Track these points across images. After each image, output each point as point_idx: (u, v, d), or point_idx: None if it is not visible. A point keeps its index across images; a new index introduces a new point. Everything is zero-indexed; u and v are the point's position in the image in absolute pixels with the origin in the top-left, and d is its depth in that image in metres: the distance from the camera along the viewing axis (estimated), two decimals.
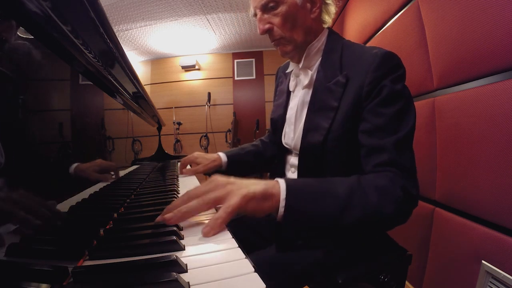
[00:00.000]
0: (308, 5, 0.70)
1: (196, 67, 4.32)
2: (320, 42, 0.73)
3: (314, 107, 0.70)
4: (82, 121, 0.66)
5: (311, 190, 0.52)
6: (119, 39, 0.65)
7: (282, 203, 0.47)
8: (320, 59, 0.73)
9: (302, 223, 0.49)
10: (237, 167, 1.04)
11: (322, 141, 0.67)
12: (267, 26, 0.70)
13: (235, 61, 4.41)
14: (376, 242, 0.82)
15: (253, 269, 0.33)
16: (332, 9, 0.75)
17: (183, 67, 4.34)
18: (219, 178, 0.48)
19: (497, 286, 0.80)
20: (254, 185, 0.47)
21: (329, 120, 0.66)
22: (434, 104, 1.08)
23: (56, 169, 0.53)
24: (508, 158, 0.76)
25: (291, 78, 0.83)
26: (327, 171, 0.69)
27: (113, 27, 0.59)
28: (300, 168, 0.77)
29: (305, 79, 0.75)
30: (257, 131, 3.75)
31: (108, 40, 0.59)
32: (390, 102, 0.60)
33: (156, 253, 0.37)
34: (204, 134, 4.26)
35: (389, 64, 0.62)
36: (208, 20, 3.27)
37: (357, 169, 0.65)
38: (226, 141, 4.22)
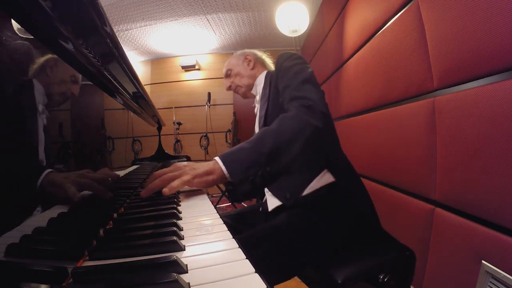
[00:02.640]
0: (246, 63, 1.18)
1: (196, 67, 4.32)
2: (262, 76, 1.14)
3: (261, 106, 1.04)
4: (82, 121, 0.66)
5: (235, 149, 0.72)
6: (119, 39, 0.65)
7: (223, 167, 0.67)
8: (263, 84, 1.10)
9: (241, 169, 0.67)
10: None
11: (263, 121, 0.98)
12: (229, 84, 1.22)
13: None
14: (375, 239, 0.83)
15: (254, 270, 0.33)
16: (268, 60, 1.23)
17: (183, 67, 4.33)
18: (178, 164, 0.70)
19: (497, 286, 0.80)
20: (201, 168, 0.67)
21: (265, 106, 1.00)
22: (434, 104, 1.08)
23: (56, 170, 0.53)
24: (508, 158, 0.76)
25: (256, 106, 1.17)
26: None
27: (113, 27, 0.58)
28: None
29: (258, 98, 1.13)
30: None
31: (108, 40, 0.59)
32: (288, 71, 0.91)
33: (156, 254, 0.37)
34: (204, 134, 4.26)
35: (284, 55, 0.98)
36: (208, 20, 3.27)
37: None
38: (226, 141, 4.21)
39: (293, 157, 0.73)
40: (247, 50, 1.22)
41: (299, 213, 0.80)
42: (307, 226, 0.77)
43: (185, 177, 0.64)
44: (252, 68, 1.17)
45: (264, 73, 1.14)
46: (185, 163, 0.73)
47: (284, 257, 0.72)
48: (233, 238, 0.43)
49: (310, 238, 0.76)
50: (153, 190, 0.65)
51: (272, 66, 1.21)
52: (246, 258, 0.36)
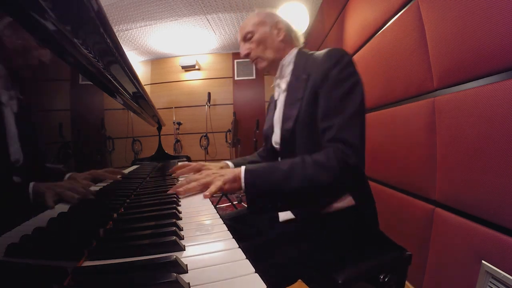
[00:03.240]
0: (275, 31, 0.92)
1: (196, 67, 4.32)
2: (291, 55, 0.92)
3: (288, 102, 0.87)
4: (82, 121, 0.66)
5: (262, 169, 0.71)
6: (119, 39, 0.65)
7: (243, 180, 0.69)
8: (292, 67, 0.90)
9: (258, 191, 0.68)
10: None
11: (292, 126, 0.82)
12: (246, 51, 0.93)
13: (235, 61, 4.40)
14: (373, 241, 0.83)
15: (254, 270, 0.33)
16: (299, 34, 0.97)
17: (183, 67, 4.34)
18: (207, 170, 0.75)
19: (497, 286, 0.80)
20: (229, 173, 0.70)
21: (297, 108, 0.82)
22: (434, 104, 1.08)
23: (54, 170, 0.53)
24: (508, 158, 0.76)
25: (275, 90, 1.00)
26: (298, 154, 0.78)
27: (113, 27, 0.59)
28: (281, 157, 0.89)
29: (283, 85, 0.93)
30: (257, 131, 3.75)
31: (108, 40, 0.59)
32: (337, 86, 0.75)
33: (156, 254, 0.37)
34: (204, 134, 4.26)
35: (334, 57, 0.78)
36: (208, 20, 3.27)
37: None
38: (226, 141, 4.21)
39: (312, 201, 0.76)
40: (276, 15, 0.95)
41: (310, 223, 0.80)
42: (318, 236, 0.77)
43: (218, 183, 0.69)
44: (282, 40, 0.91)
45: (294, 52, 0.92)
46: (208, 167, 0.76)
47: (292, 264, 0.72)
48: (233, 238, 0.43)
49: (320, 246, 0.76)
50: (191, 192, 0.71)
51: (301, 42, 0.97)
52: (247, 259, 0.36)
